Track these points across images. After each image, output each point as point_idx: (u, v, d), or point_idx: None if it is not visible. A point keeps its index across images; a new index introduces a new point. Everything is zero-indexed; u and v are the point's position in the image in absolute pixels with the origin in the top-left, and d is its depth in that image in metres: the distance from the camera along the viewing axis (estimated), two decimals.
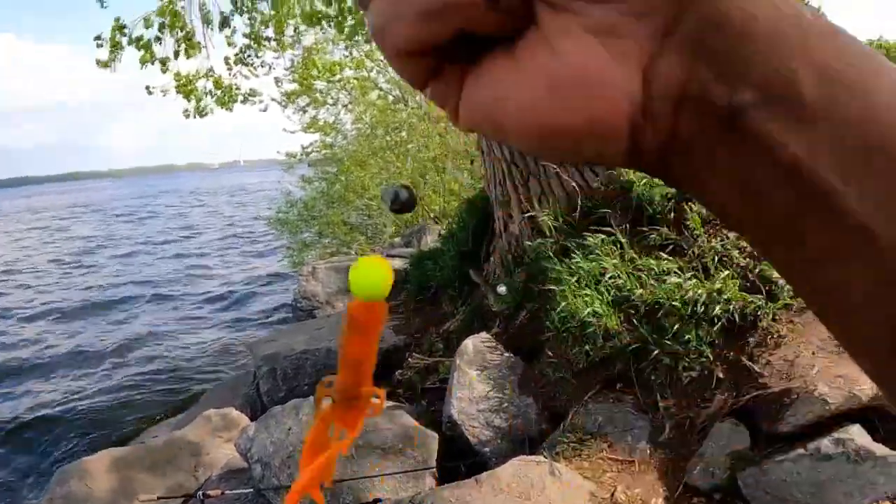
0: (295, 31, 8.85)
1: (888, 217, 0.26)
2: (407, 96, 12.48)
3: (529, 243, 4.81)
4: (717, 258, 3.98)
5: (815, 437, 3.07)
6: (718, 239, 4.08)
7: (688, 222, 4.15)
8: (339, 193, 13.65)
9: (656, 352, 3.73)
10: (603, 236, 4.34)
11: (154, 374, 10.11)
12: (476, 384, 4.10)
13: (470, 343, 4.35)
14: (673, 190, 4.30)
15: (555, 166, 4.78)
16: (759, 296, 3.71)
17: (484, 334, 4.51)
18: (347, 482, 3.54)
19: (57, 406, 9.12)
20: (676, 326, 3.72)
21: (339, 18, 7.09)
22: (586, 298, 4.01)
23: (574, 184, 4.74)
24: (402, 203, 0.49)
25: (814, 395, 3.15)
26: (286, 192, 14.94)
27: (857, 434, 3.00)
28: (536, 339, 4.36)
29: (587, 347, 3.94)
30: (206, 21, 7.43)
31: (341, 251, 12.98)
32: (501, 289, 4.89)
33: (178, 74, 7.66)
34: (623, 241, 4.28)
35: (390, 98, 12.92)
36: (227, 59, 8.26)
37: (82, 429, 8.39)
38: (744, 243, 3.99)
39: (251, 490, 3.73)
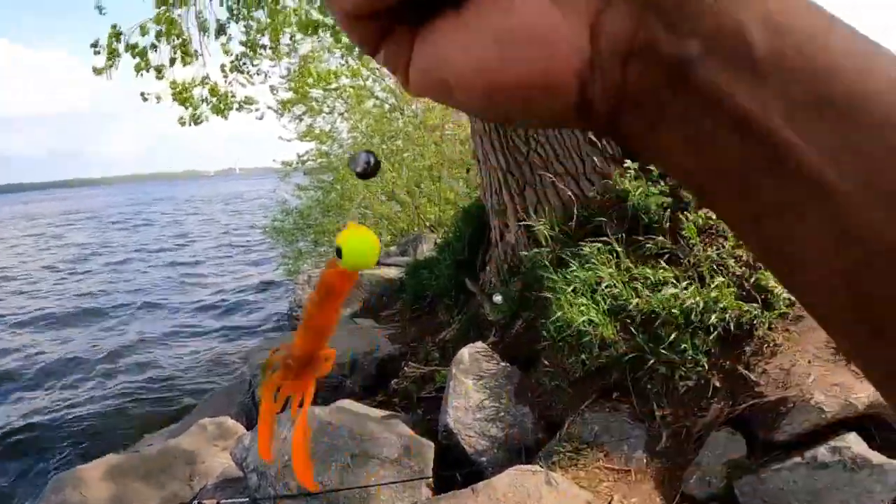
0: (291, 39, 8.87)
1: (843, 171, 0.26)
2: (403, 105, 12.50)
3: (525, 252, 4.82)
4: (712, 267, 3.99)
5: (811, 446, 3.07)
6: (714, 248, 4.09)
7: (683, 231, 4.16)
8: (334, 202, 13.65)
9: (652, 361, 3.74)
10: (599, 245, 4.34)
11: (149, 383, 10.07)
12: (472, 393, 4.09)
13: (466, 352, 4.34)
14: (669, 199, 4.31)
15: (551, 175, 4.79)
16: (755, 304, 3.72)
17: (480, 343, 4.51)
18: (343, 492, 3.53)
19: (50, 414, 9.07)
20: (672, 335, 3.72)
21: (336, 27, 7.11)
22: (582, 307, 4.02)
23: (570, 193, 4.75)
24: (368, 168, 0.49)
25: (810, 404, 3.16)
26: (282, 201, 14.93)
27: (853, 442, 3.00)
28: (532, 349, 4.36)
29: (583, 356, 3.94)
30: (203, 29, 7.44)
31: None
32: (497, 298, 4.89)
33: (174, 83, 7.67)
34: (619, 250, 4.29)
35: (386, 107, 12.93)
36: (222, 66, 8.27)
37: (76, 437, 8.34)
38: (740, 252, 4.00)
39: (247, 499, 3.71)
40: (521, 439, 3.91)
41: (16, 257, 28.60)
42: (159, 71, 7.37)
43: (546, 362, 4.17)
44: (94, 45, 7.10)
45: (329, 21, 7.06)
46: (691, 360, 3.65)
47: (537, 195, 4.92)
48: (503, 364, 4.31)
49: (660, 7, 0.28)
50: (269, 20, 7.51)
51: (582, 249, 4.36)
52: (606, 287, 4.11)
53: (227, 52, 8.08)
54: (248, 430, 4.47)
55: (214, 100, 8.12)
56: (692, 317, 3.73)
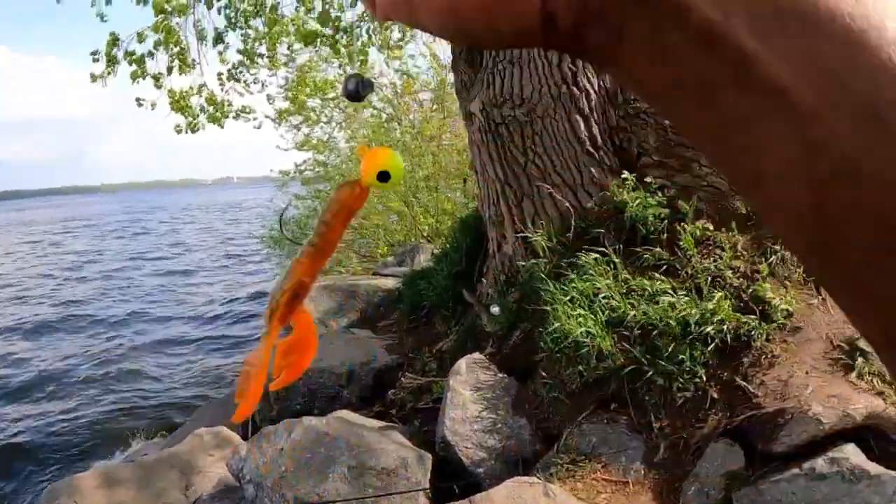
0: (289, 48, 8.90)
1: (808, 81, 0.26)
2: (400, 115, 12.52)
3: (523, 263, 4.82)
4: (710, 278, 3.99)
5: (809, 457, 3.07)
6: (711, 259, 4.10)
7: (681, 243, 4.17)
8: None
9: (650, 372, 3.73)
10: (596, 256, 4.34)
11: (143, 392, 10.05)
12: (469, 404, 4.08)
13: (463, 363, 4.34)
14: (667, 210, 4.32)
15: (548, 186, 4.80)
16: (753, 316, 3.72)
17: (477, 354, 4.50)
18: None
19: (45, 422, 9.04)
20: (670, 347, 3.73)
21: (335, 38, 7.14)
22: (580, 319, 4.02)
23: (568, 204, 4.76)
24: (360, 90, 0.49)
25: (808, 415, 3.16)
26: (279, 210, 14.93)
27: (851, 453, 3.01)
28: (530, 360, 4.36)
29: (581, 368, 3.94)
30: (201, 37, 7.46)
31: (334, 270, 12.95)
32: (495, 309, 4.89)
33: (171, 91, 7.68)
34: (616, 261, 4.29)
35: (383, 117, 12.95)
36: (219, 74, 8.29)
37: (71, 445, 8.31)
38: (738, 263, 4.01)
39: None
40: (518, 451, 3.90)
41: (13, 263, 28.55)
42: (157, 79, 7.39)
43: (544, 373, 4.17)
44: (94, 53, 7.11)
45: (327, 32, 7.09)
46: (689, 372, 3.66)
47: (535, 206, 4.92)
48: (500, 375, 4.30)
49: None
50: (266, 29, 7.54)
51: (579, 261, 4.36)
52: (604, 298, 4.11)
53: (223, 62, 8.10)
54: (244, 440, 4.45)
55: (211, 108, 8.14)
56: (690, 328, 3.74)
